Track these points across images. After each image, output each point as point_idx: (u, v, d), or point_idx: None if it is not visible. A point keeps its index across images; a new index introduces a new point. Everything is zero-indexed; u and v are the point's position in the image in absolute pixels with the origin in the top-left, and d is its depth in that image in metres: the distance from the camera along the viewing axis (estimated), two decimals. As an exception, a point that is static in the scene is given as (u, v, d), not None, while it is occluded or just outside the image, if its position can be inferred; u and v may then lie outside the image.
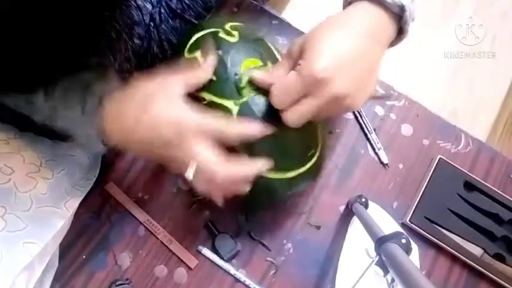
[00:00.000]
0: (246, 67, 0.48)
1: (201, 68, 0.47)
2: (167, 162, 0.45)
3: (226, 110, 0.47)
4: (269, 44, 0.54)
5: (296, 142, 0.50)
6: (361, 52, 0.41)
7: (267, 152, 0.46)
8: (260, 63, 0.49)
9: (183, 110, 0.43)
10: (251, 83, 0.47)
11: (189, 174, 0.42)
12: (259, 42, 0.52)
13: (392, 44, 0.47)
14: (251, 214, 0.61)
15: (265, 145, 0.46)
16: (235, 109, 0.47)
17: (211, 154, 0.42)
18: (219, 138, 0.42)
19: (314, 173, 0.55)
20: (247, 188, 0.45)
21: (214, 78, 0.47)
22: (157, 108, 0.43)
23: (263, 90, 0.47)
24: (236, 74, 0.47)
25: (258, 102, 0.47)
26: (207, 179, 0.43)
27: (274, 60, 0.51)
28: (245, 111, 0.47)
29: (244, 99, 0.47)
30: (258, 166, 0.44)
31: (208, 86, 0.47)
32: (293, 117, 0.43)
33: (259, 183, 0.47)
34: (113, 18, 0.61)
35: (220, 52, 0.48)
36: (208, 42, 0.49)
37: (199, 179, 0.43)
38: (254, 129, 0.44)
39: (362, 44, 0.42)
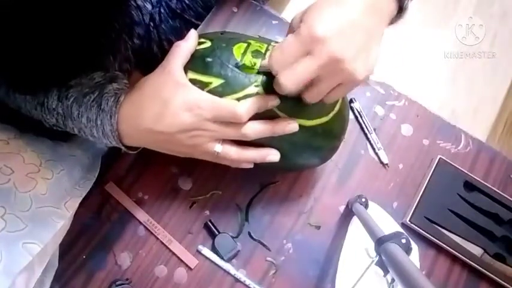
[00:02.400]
0: (239, 53, 0.49)
1: (185, 39, 0.49)
2: (191, 148, 0.48)
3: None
4: (231, 31, 0.56)
5: None
6: (361, 24, 0.41)
7: (311, 104, 0.47)
8: (245, 44, 0.50)
9: (193, 92, 0.46)
10: (253, 61, 0.48)
11: (217, 148, 0.47)
12: (226, 33, 0.54)
13: (392, 21, 0.46)
14: (244, 213, 0.61)
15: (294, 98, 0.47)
16: (260, 89, 0.47)
17: (232, 124, 0.46)
18: (230, 116, 0.45)
19: (346, 110, 0.56)
20: (277, 157, 0.49)
21: (223, 81, 0.47)
22: (171, 95, 0.45)
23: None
24: (237, 64, 0.48)
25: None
26: (236, 147, 0.48)
27: (250, 38, 0.52)
28: (269, 85, 0.47)
29: (260, 78, 0.47)
30: (284, 122, 0.47)
31: (224, 91, 0.47)
32: (288, 78, 0.40)
33: (320, 133, 0.50)
34: (113, 18, 0.61)
35: (209, 59, 0.48)
36: (191, 61, 0.50)
37: (229, 150, 0.47)
38: (262, 100, 0.46)
39: (362, 18, 0.41)
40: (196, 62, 0.49)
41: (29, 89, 0.49)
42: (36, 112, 0.50)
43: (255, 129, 0.46)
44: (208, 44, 0.50)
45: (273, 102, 0.46)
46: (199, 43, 0.51)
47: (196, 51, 0.50)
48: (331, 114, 0.51)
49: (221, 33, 0.53)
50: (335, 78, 0.41)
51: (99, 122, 0.48)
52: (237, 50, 0.49)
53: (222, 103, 0.45)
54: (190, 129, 0.46)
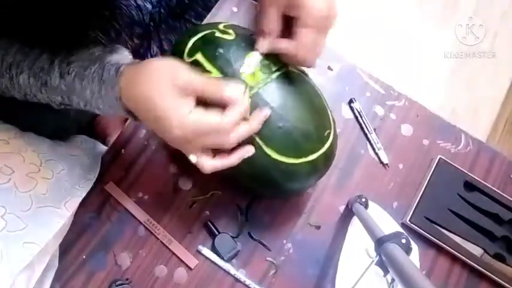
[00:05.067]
0: (249, 60, 0.49)
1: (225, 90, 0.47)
2: (176, 144, 0.47)
3: None
4: None
5: (312, 124, 0.50)
6: None
7: (286, 139, 0.48)
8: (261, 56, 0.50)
9: (177, 99, 0.44)
10: (257, 74, 0.49)
11: (192, 158, 0.46)
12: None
13: None
14: (244, 213, 0.61)
15: (284, 131, 0.48)
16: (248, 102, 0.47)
17: (215, 135, 0.44)
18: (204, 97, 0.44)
19: (333, 152, 0.55)
20: (252, 150, 0.48)
21: (221, 76, 0.48)
22: (155, 86, 0.44)
23: (272, 79, 0.49)
24: (241, 68, 0.48)
25: (269, 91, 0.48)
26: (208, 159, 0.46)
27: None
28: (257, 102, 0.48)
29: (254, 91, 0.48)
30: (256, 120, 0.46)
31: None
32: (315, 59, 0.48)
33: (281, 170, 0.50)
34: (113, 18, 0.61)
35: (221, 50, 0.49)
36: (207, 43, 0.50)
37: (202, 162, 0.46)
38: (235, 89, 0.45)
39: None
40: (210, 47, 0.50)
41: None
42: (42, 95, 0.51)
43: (232, 139, 0.45)
44: (231, 37, 0.51)
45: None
46: (225, 32, 0.51)
47: (216, 37, 0.50)
48: (301, 160, 0.50)
49: (251, 34, 0.53)
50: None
51: (103, 93, 0.48)
52: (249, 56, 0.49)
53: (211, 81, 0.45)
54: (176, 142, 0.46)
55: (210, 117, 0.43)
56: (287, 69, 0.51)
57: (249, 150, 0.48)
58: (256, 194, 0.61)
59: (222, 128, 0.44)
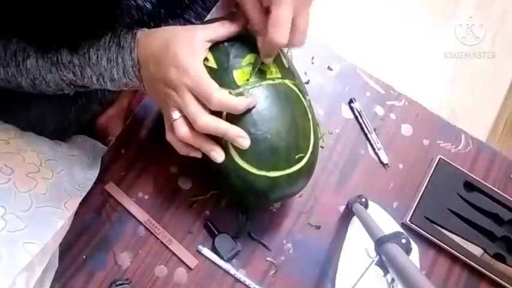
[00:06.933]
0: (248, 61, 0.49)
1: (231, 21, 0.50)
2: (163, 99, 0.49)
3: None
4: None
5: (285, 142, 0.49)
6: None
7: (252, 146, 0.47)
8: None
9: (195, 60, 0.46)
10: (248, 75, 0.49)
11: (175, 115, 0.47)
12: None
13: None
14: (244, 213, 0.61)
15: (253, 138, 0.47)
16: None
17: (198, 106, 0.46)
18: (205, 101, 0.46)
19: (300, 177, 0.52)
20: (220, 157, 0.48)
21: (215, 66, 0.48)
22: (175, 49, 0.46)
23: (261, 85, 0.48)
24: (236, 66, 0.48)
25: (253, 95, 0.48)
26: (189, 129, 0.47)
27: (277, 57, 0.52)
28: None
29: (239, 90, 0.48)
30: (237, 131, 0.46)
31: (209, 73, 0.47)
32: (301, 37, 0.46)
33: (240, 175, 0.49)
34: (113, 18, 0.61)
35: (226, 43, 0.49)
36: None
37: (182, 125, 0.47)
38: (239, 103, 0.46)
39: None
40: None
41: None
42: (52, 75, 0.51)
43: (208, 121, 0.46)
44: (243, 33, 0.51)
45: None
46: None
47: None
48: (261, 172, 0.49)
49: None
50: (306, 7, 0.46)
51: (119, 60, 0.49)
52: (250, 57, 0.49)
53: (207, 81, 0.46)
54: (168, 84, 0.46)
55: (212, 81, 0.46)
56: (282, 82, 0.50)
57: (219, 154, 0.48)
58: (221, 195, 0.61)
59: (217, 90, 0.45)
